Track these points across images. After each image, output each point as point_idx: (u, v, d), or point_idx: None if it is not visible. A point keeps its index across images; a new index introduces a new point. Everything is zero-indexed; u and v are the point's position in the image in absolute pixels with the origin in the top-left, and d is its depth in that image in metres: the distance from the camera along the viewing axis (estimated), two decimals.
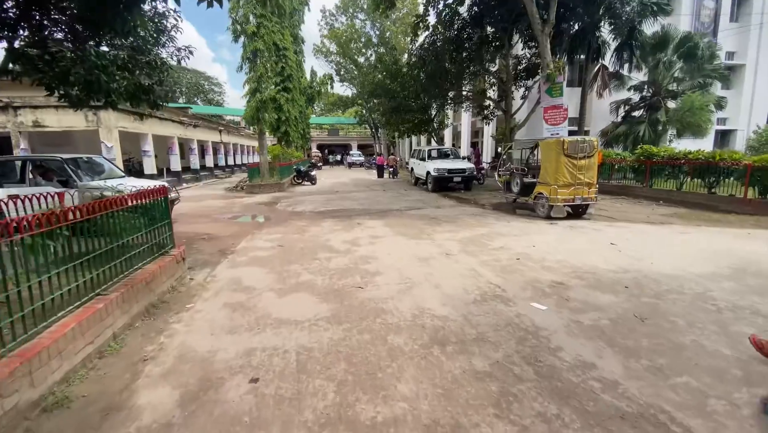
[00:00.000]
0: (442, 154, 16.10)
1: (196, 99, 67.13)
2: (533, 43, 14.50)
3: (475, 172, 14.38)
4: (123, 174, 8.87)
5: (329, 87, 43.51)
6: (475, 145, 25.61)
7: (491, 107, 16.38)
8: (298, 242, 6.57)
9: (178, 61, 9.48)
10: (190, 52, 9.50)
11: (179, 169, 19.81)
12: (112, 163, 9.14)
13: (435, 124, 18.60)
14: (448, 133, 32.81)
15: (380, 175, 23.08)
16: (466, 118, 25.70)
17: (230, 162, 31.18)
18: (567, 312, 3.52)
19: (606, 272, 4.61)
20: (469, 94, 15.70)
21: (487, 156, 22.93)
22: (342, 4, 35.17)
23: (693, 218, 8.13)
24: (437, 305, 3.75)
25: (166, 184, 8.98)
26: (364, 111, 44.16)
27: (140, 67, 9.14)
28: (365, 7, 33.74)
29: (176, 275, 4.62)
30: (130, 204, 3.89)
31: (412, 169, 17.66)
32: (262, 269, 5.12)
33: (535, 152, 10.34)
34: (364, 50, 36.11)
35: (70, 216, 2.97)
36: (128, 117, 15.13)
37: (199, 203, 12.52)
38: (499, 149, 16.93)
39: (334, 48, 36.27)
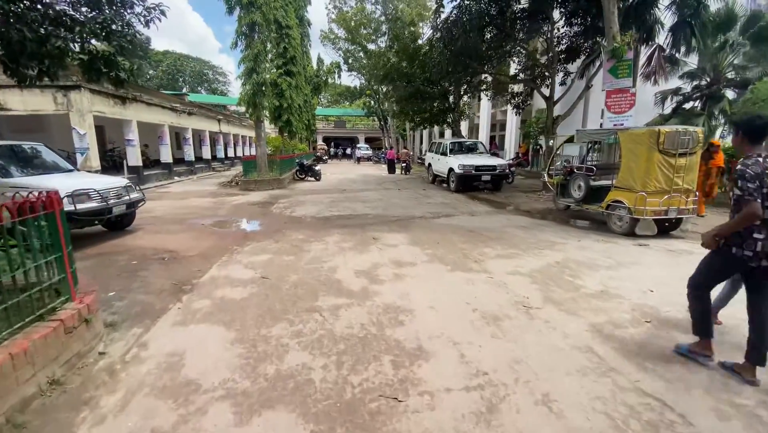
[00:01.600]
0: (466, 148, 13.96)
1: (199, 88, 65.33)
2: (577, 19, 12.25)
3: (506, 170, 12.22)
4: (71, 168, 6.90)
5: (337, 76, 41.62)
6: (493, 140, 23.38)
7: (524, 95, 14.14)
8: (290, 271, 4.55)
9: (147, 24, 7.48)
10: (162, 12, 7.50)
11: (170, 160, 17.87)
12: (59, 154, 7.17)
13: (455, 114, 16.40)
14: (463, 126, 30.54)
15: (391, 170, 20.98)
16: (485, 109, 23.39)
17: (230, 154, 29.25)
18: None
19: None
20: (500, 77, 13.44)
21: (510, 152, 20.71)
22: None
23: None
24: None
25: (126, 182, 7.03)
26: (372, 102, 41.99)
27: (90, 28, 7.11)
28: None
29: (72, 351, 2.63)
30: None
31: (429, 165, 15.54)
32: (227, 332, 3.10)
33: (600, 147, 8.19)
34: (374, 37, 33.83)
35: None
36: (106, 100, 13.16)
37: (181, 202, 10.56)
38: (541, 143, 14.76)
39: (343, 33, 33.99)
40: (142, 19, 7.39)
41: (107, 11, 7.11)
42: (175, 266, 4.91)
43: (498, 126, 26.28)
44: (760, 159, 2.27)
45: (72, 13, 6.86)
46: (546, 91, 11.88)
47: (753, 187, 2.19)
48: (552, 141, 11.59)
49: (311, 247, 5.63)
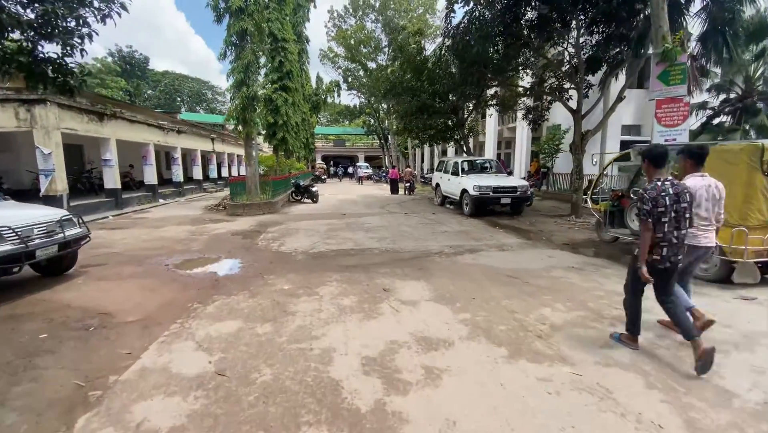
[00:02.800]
0: (479, 167, 12.58)
1: (198, 108, 64.90)
2: (599, 27, 11.10)
3: (527, 192, 10.79)
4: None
5: (336, 95, 40.93)
6: (499, 158, 22.13)
7: (541, 109, 12.88)
8: (262, 359, 2.98)
9: (103, 20, 6.20)
10: (123, 6, 6.24)
11: (154, 182, 16.45)
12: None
13: (464, 131, 15.12)
14: (451, 148, 29.36)
15: (394, 190, 19.58)
16: (491, 126, 22.26)
17: (225, 174, 27.93)
18: None
19: None
20: (516, 89, 12.17)
21: (520, 171, 19.40)
22: (352, 5, 32.39)
23: None
24: None
25: (63, 214, 5.50)
26: (372, 120, 41.15)
27: (29, 22, 5.86)
28: (377, 6, 30.99)
29: None
30: None
31: (437, 185, 14.14)
32: None
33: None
34: (374, 55, 33.23)
35: None
36: (78, 116, 11.83)
37: (153, 232, 9.03)
38: (548, 162, 13.40)
39: (342, 52, 33.36)
40: (97, 14, 6.11)
41: (53, 3, 5.79)
42: (98, 344, 3.35)
43: (504, 144, 25.14)
44: (659, 183, 2.79)
45: (3, 3, 5.55)
46: (571, 104, 10.58)
47: (647, 209, 2.76)
48: (580, 158, 10.21)
49: (298, 306, 4.07)
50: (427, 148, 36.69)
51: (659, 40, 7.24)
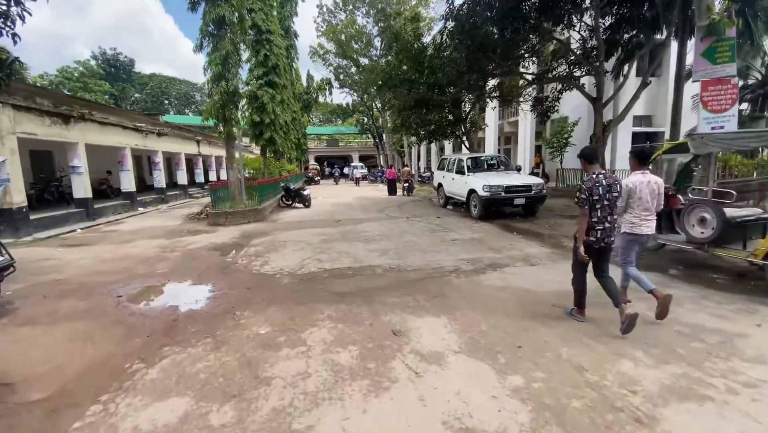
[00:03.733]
0: (486, 165, 11.49)
1: (186, 110, 63.17)
2: (612, 8, 10.04)
3: (542, 190, 9.70)
4: None
5: (328, 93, 39.65)
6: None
7: (551, 99, 11.82)
8: None
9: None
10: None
11: (132, 189, 15.16)
12: None
13: (466, 125, 14.02)
14: (448, 145, 28.24)
15: (392, 192, 18.44)
16: (492, 120, 21.19)
17: (213, 178, 26.58)
18: None
19: None
20: (523, 77, 11.05)
21: (525, 167, 18.34)
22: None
23: None
24: None
25: None
26: (366, 119, 39.96)
27: None
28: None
29: None
30: None
31: (439, 185, 13.03)
32: None
33: (707, 161, 5.71)
34: (365, 51, 32.02)
35: None
36: (38, 118, 10.53)
37: (118, 248, 7.81)
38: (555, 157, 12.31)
39: (333, 47, 32.10)
40: None
41: None
42: None
43: (503, 139, 24.11)
44: (594, 176, 3.27)
45: None
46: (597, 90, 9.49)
47: (584, 198, 3.25)
48: (602, 151, 9.15)
49: (276, 367, 2.91)
50: (423, 146, 35.63)
51: (703, 12, 6.17)
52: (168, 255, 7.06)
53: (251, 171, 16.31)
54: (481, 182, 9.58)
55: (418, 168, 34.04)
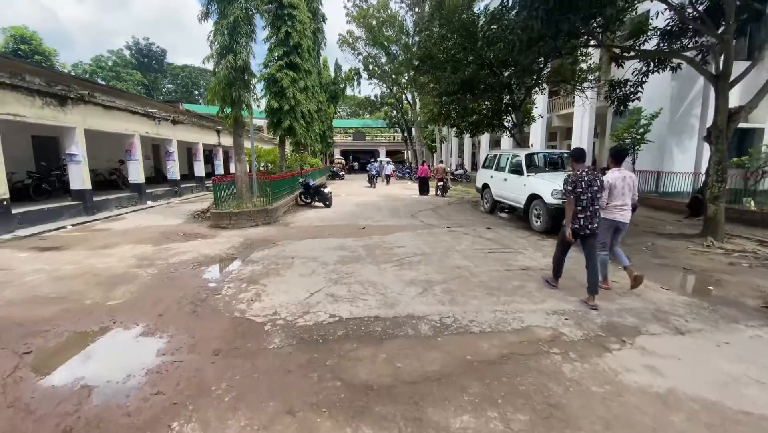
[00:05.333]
0: (549, 163, 9.21)
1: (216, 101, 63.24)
2: None
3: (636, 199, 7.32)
4: None
5: (356, 83, 37.75)
6: None
7: (634, 84, 9.32)
8: None
9: None
10: None
11: (140, 180, 13.89)
12: None
13: (519, 115, 11.68)
14: (484, 139, 25.50)
15: (423, 191, 16.35)
16: (539, 112, 18.52)
17: (233, 170, 25.35)
18: None
19: None
20: (614, 49, 8.54)
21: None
22: None
23: None
24: None
25: None
26: (394, 112, 37.84)
27: None
28: None
29: None
30: None
31: (484, 186, 10.83)
32: None
33: None
34: (397, 38, 29.86)
35: None
36: (28, 99, 9.22)
37: (90, 256, 6.23)
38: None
39: (363, 34, 30.09)
40: None
41: None
42: None
43: (548, 135, 21.32)
44: (578, 172, 3.88)
45: None
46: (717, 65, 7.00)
47: (569, 190, 3.87)
48: (724, 150, 6.67)
49: None
50: (454, 142, 33.14)
51: None
52: (140, 273, 5.36)
53: (267, 164, 14.66)
54: (549, 186, 7.35)
55: (450, 165, 31.64)
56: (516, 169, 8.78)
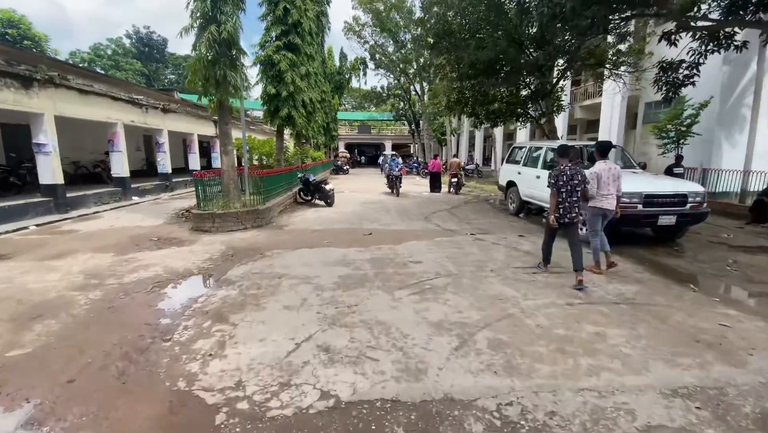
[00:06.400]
0: (589, 157, 7.76)
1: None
2: None
3: (705, 203, 5.93)
4: None
5: (362, 73, 36.12)
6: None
7: (688, 65, 7.83)
8: None
9: None
10: None
11: (125, 174, 12.63)
12: None
13: (549, 103, 10.19)
14: (498, 132, 23.81)
15: (435, 187, 14.94)
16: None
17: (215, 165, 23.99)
18: None
19: None
20: (687, 19, 7.00)
21: None
22: None
23: None
24: None
25: None
26: (402, 104, 36.23)
27: None
28: None
29: None
30: None
31: (509, 184, 9.42)
32: None
33: None
34: (406, 24, 28.24)
35: None
36: None
37: (37, 267, 4.97)
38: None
39: (370, 20, 28.44)
40: None
41: None
42: None
43: (567, 128, 19.71)
44: (561, 167, 4.33)
45: None
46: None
47: (552, 183, 4.32)
48: None
49: None
50: (465, 135, 31.53)
51: None
52: (79, 298, 4.07)
53: (263, 157, 13.31)
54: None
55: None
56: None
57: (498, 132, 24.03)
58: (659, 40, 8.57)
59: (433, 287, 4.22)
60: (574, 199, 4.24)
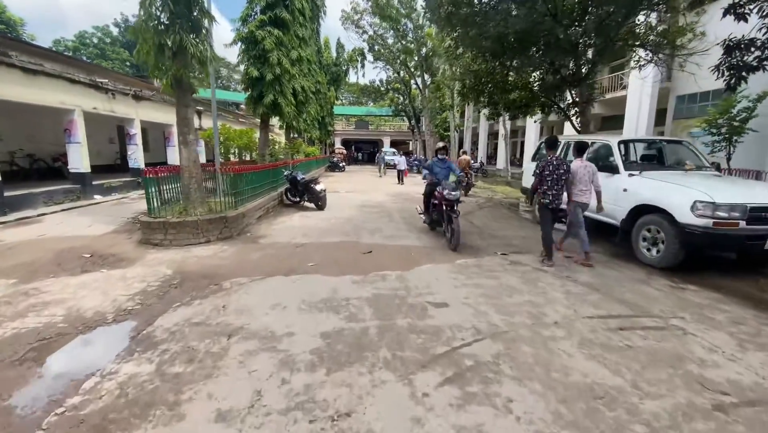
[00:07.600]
0: (646, 156, 6.19)
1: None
2: None
3: None
4: None
5: (360, 65, 34.29)
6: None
7: (762, 44, 6.22)
8: None
9: None
10: None
11: (84, 170, 10.89)
12: None
13: (584, 91, 8.57)
14: (510, 127, 21.93)
15: None
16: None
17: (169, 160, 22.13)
18: None
19: None
20: None
21: None
22: None
23: None
24: None
25: None
26: (401, 98, 34.52)
27: None
28: None
29: None
30: None
31: (536, 191, 7.76)
32: None
33: None
34: (407, 12, 26.54)
35: None
36: None
37: None
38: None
39: (369, 6, 26.60)
40: None
41: None
42: None
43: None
44: (548, 158, 4.77)
45: None
46: None
47: (537, 172, 4.82)
48: None
49: None
50: (468, 131, 29.93)
51: None
52: None
53: (243, 152, 11.61)
54: (688, 195, 4.34)
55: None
56: (604, 165, 5.73)
57: (503, 127, 22.44)
58: (723, 15, 6.98)
59: (477, 364, 2.58)
60: (560, 186, 4.74)
